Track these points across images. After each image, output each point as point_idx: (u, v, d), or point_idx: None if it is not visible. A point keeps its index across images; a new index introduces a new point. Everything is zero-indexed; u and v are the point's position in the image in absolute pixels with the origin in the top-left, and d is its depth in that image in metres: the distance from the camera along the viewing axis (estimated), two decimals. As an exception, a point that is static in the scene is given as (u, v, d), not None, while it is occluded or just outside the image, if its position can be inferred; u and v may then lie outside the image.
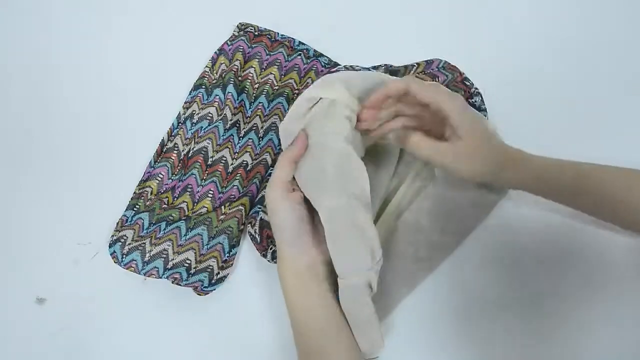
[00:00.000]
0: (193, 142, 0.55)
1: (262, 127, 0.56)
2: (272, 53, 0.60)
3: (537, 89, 0.58)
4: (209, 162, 0.54)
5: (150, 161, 0.55)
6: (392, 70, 0.56)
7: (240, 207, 0.51)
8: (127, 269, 0.49)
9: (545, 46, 0.61)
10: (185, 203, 0.52)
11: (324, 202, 0.41)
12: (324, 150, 0.42)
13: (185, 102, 0.58)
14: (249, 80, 0.58)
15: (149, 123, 0.57)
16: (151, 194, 0.54)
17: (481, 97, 0.54)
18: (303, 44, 0.60)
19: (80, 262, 0.52)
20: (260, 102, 0.57)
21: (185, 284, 0.48)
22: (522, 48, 0.61)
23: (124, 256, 0.49)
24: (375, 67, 0.56)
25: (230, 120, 0.55)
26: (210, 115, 0.56)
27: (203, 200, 0.52)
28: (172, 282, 0.48)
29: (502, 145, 0.46)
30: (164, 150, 0.56)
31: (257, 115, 0.57)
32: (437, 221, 0.50)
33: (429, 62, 0.56)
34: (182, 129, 0.56)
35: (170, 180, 0.54)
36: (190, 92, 0.59)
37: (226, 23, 0.62)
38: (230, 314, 0.50)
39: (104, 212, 0.53)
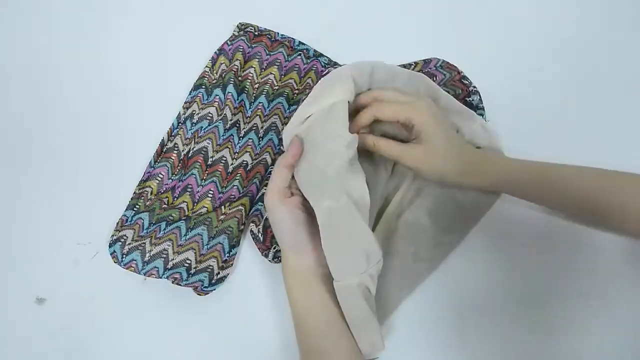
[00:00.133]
0: (193, 142, 0.55)
1: (262, 127, 0.56)
2: (272, 53, 0.60)
3: (537, 89, 0.58)
4: (209, 162, 0.54)
5: (150, 161, 0.55)
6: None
7: (240, 207, 0.51)
8: (127, 268, 0.49)
9: (545, 46, 0.61)
10: (185, 203, 0.52)
11: (321, 203, 0.41)
12: (324, 152, 0.42)
13: (185, 102, 0.58)
14: (249, 80, 0.58)
15: (149, 123, 0.57)
16: (151, 194, 0.54)
17: (479, 95, 0.54)
18: (303, 44, 0.60)
19: (80, 262, 0.52)
20: (260, 102, 0.57)
21: (185, 284, 0.48)
22: (522, 48, 0.61)
23: (124, 256, 0.49)
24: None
25: (230, 120, 0.55)
26: (210, 115, 0.56)
27: (203, 200, 0.52)
28: (172, 282, 0.48)
29: (467, 148, 0.47)
30: (164, 150, 0.56)
31: (257, 115, 0.57)
32: (437, 220, 0.50)
33: (426, 61, 0.56)
34: (182, 129, 0.56)
35: (170, 180, 0.54)
36: (190, 92, 0.59)
37: (226, 23, 0.62)
38: (230, 314, 0.50)
39: (104, 212, 0.53)
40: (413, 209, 0.50)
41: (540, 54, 0.61)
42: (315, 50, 0.60)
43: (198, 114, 0.57)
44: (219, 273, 0.49)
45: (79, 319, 0.50)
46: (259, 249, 0.50)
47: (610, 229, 0.49)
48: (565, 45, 0.61)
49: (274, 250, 0.49)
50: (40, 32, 0.64)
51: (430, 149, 0.43)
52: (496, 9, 0.64)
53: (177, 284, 0.48)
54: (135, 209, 0.53)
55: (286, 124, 0.56)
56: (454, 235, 0.50)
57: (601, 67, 0.59)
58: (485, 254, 0.50)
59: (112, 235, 0.51)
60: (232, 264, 0.50)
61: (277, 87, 0.59)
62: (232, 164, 0.54)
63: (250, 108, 0.58)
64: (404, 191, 0.51)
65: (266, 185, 0.49)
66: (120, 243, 0.50)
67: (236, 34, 0.61)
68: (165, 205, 0.52)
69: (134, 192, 0.54)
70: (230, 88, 0.56)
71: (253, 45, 0.60)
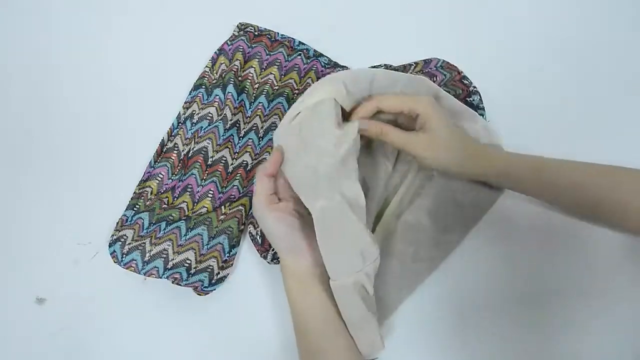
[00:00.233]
0: (193, 142, 0.55)
1: (262, 127, 0.56)
2: (272, 53, 0.60)
3: (537, 89, 0.58)
4: (209, 162, 0.54)
5: (150, 161, 0.55)
6: (391, 70, 0.56)
7: (241, 208, 0.51)
8: (127, 268, 0.49)
9: (545, 46, 0.61)
10: (185, 203, 0.52)
11: (315, 203, 0.41)
12: (314, 150, 0.42)
13: (185, 102, 0.58)
14: (249, 80, 0.58)
15: (149, 123, 0.57)
16: (151, 194, 0.54)
17: (479, 95, 0.54)
18: (303, 44, 0.60)
19: (80, 262, 0.52)
20: (260, 102, 0.57)
21: (185, 284, 0.48)
22: (522, 48, 0.61)
23: (124, 256, 0.49)
24: (374, 67, 0.56)
25: (230, 120, 0.55)
26: (210, 115, 0.56)
27: (203, 200, 0.52)
28: (172, 282, 0.48)
29: (468, 139, 0.48)
30: (164, 150, 0.56)
31: (257, 115, 0.57)
32: (437, 220, 0.50)
33: (427, 62, 0.56)
34: (182, 129, 0.56)
35: (170, 180, 0.54)
36: (190, 92, 0.59)
37: (226, 23, 0.62)
38: (230, 314, 0.50)
39: (104, 212, 0.53)
40: (413, 209, 0.50)
41: (540, 54, 0.61)
42: (315, 50, 0.60)
43: (198, 114, 0.57)
44: (219, 273, 0.49)
45: (79, 319, 0.50)
46: (257, 250, 0.50)
47: (609, 225, 0.49)
48: (565, 45, 0.61)
49: (273, 252, 0.49)
50: (40, 32, 0.64)
51: (435, 138, 0.44)
52: (496, 9, 0.64)
53: (177, 284, 0.48)
54: (135, 209, 0.53)
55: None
56: (454, 235, 0.50)
57: (601, 67, 0.59)
58: (485, 254, 0.50)
59: (112, 235, 0.51)
60: (232, 264, 0.50)
61: (277, 87, 0.59)
62: (232, 164, 0.54)
63: (250, 108, 0.58)
64: (403, 192, 0.51)
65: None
66: (120, 243, 0.50)
67: (236, 34, 0.61)
68: (165, 205, 0.52)
69: (134, 192, 0.54)
70: (230, 88, 0.56)
71: (253, 45, 0.60)
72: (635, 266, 0.49)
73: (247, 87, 0.58)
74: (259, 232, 0.50)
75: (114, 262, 0.49)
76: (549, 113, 0.57)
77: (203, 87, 0.58)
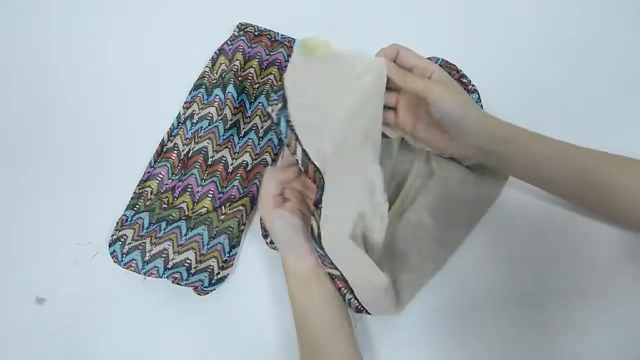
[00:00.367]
0: (193, 142, 0.55)
1: (262, 127, 0.56)
2: (272, 53, 0.60)
3: (537, 89, 0.58)
4: (209, 162, 0.54)
5: (150, 161, 0.55)
6: None
7: (241, 208, 0.51)
8: (127, 268, 0.49)
9: (545, 46, 0.61)
10: (185, 203, 0.52)
11: (331, 137, 0.42)
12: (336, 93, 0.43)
13: (185, 102, 0.58)
14: (249, 80, 0.58)
15: (149, 123, 0.57)
16: (151, 193, 0.54)
17: (478, 94, 0.54)
18: (303, 44, 0.60)
19: (80, 262, 0.52)
20: (260, 102, 0.57)
21: (186, 284, 0.48)
22: (522, 48, 0.61)
23: (124, 255, 0.49)
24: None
25: (230, 120, 0.56)
26: (210, 115, 0.56)
27: (203, 200, 0.52)
28: (172, 282, 0.48)
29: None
30: (164, 150, 0.56)
31: (257, 115, 0.57)
32: (439, 218, 0.50)
33: (427, 61, 0.56)
34: (182, 129, 0.56)
35: (170, 180, 0.54)
36: (190, 92, 0.59)
37: (226, 23, 0.62)
38: (230, 314, 0.50)
39: (104, 212, 0.53)
40: (415, 208, 0.50)
41: (540, 53, 0.61)
42: (315, 50, 0.60)
43: (198, 114, 0.57)
44: (219, 273, 0.49)
45: (79, 319, 0.50)
46: (262, 227, 0.50)
47: (600, 212, 0.49)
48: (565, 45, 0.61)
49: None
50: (40, 32, 0.64)
51: (453, 85, 0.45)
52: (496, 9, 0.64)
53: (177, 283, 0.48)
54: (135, 208, 0.53)
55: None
56: (456, 233, 0.50)
57: (601, 67, 0.59)
58: (485, 254, 0.50)
59: (112, 235, 0.51)
60: (232, 264, 0.50)
61: (277, 87, 0.59)
62: (232, 164, 0.54)
63: (250, 108, 0.58)
64: (405, 190, 0.51)
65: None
66: (120, 243, 0.50)
67: (236, 34, 0.61)
68: (165, 205, 0.52)
69: (134, 192, 0.54)
70: (230, 88, 0.56)
71: (253, 45, 0.60)
72: (635, 266, 0.49)
73: (247, 87, 0.58)
74: None
75: (114, 262, 0.49)
76: (548, 113, 0.57)
77: (203, 87, 0.58)
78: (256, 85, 0.59)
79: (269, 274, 0.51)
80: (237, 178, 0.53)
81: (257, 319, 0.49)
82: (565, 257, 0.50)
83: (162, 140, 0.56)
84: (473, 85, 0.54)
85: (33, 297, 0.51)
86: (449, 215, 0.50)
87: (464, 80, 0.54)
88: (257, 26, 0.61)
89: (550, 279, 0.49)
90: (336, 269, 0.42)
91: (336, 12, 0.65)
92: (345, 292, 0.43)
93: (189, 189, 0.53)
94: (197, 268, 0.48)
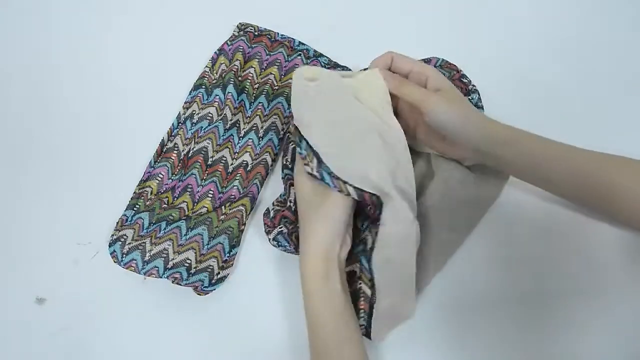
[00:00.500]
0: (193, 142, 0.55)
1: (262, 127, 0.56)
2: (272, 53, 0.60)
3: (537, 89, 0.58)
4: (209, 162, 0.54)
5: (150, 161, 0.55)
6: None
7: (241, 208, 0.51)
8: (127, 268, 0.49)
9: (545, 46, 0.61)
10: (185, 203, 0.52)
11: (364, 159, 0.43)
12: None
13: (185, 102, 0.58)
14: (249, 80, 0.58)
15: (149, 123, 0.57)
16: (151, 193, 0.54)
17: (478, 94, 0.54)
18: (303, 44, 0.60)
19: (80, 262, 0.52)
20: (260, 102, 0.57)
21: (186, 284, 0.48)
22: (522, 48, 0.61)
23: (124, 255, 0.49)
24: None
25: (230, 120, 0.56)
26: (210, 115, 0.56)
27: (203, 200, 0.52)
28: (172, 282, 0.48)
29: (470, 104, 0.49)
30: (164, 150, 0.56)
31: (257, 115, 0.57)
32: (440, 218, 0.50)
33: (426, 61, 0.56)
34: (182, 129, 0.56)
35: (170, 180, 0.54)
36: (190, 92, 0.59)
37: (226, 23, 0.62)
38: (230, 314, 0.50)
39: (104, 212, 0.53)
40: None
41: (540, 54, 0.61)
42: (315, 50, 0.60)
43: (198, 114, 0.57)
44: (219, 273, 0.49)
45: (79, 319, 0.50)
46: (265, 224, 0.49)
47: (601, 211, 0.49)
48: (565, 45, 0.61)
49: (277, 233, 0.48)
50: (40, 32, 0.64)
51: (448, 93, 0.45)
52: (496, 9, 0.64)
53: (177, 283, 0.48)
54: (135, 208, 0.53)
55: (286, 124, 0.56)
56: (457, 233, 0.50)
57: (601, 67, 0.59)
58: (485, 254, 0.50)
59: (112, 235, 0.51)
60: (232, 264, 0.50)
61: (277, 87, 0.59)
62: (232, 164, 0.54)
63: (250, 108, 0.58)
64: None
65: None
66: (120, 243, 0.50)
67: (236, 34, 0.61)
68: (165, 205, 0.52)
69: (134, 192, 0.54)
70: (230, 88, 0.56)
71: (253, 46, 0.60)
72: (635, 266, 0.49)
73: (247, 87, 0.58)
74: (273, 205, 0.50)
75: (114, 262, 0.49)
76: (548, 113, 0.57)
77: (203, 87, 0.58)
78: (256, 85, 0.59)
79: (269, 274, 0.51)
80: (237, 178, 0.53)
81: (257, 319, 0.49)
82: (565, 257, 0.50)
83: (162, 140, 0.56)
84: (473, 85, 0.54)
85: (33, 297, 0.51)
86: (449, 216, 0.50)
87: (464, 80, 0.55)
88: (257, 26, 0.61)
89: (550, 279, 0.49)
90: (371, 287, 0.43)
91: (336, 12, 0.65)
92: (362, 315, 0.44)
93: (189, 189, 0.53)
94: (197, 268, 0.48)
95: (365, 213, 0.46)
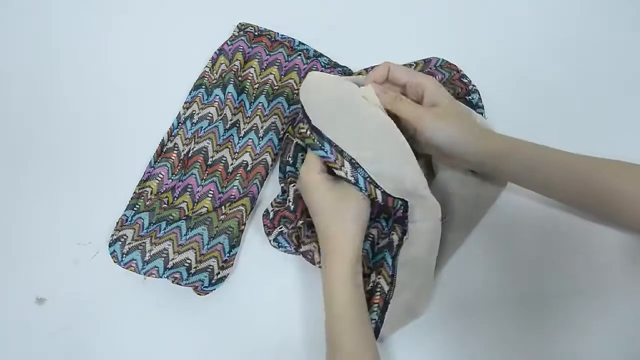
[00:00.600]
0: (193, 142, 0.55)
1: (262, 127, 0.56)
2: (272, 53, 0.60)
3: (537, 88, 0.58)
4: (209, 162, 0.54)
5: (150, 161, 0.55)
6: None
7: (241, 208, 0.51)
8: (127, 268, 0.49)
9: (545, 46, 0.61)
10: (185, 203, 0.52)
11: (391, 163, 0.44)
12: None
13: (185, 102, 0.58)
14: (249, 80, 0.58)
15: (149, 123, 0.57)
16: (151, 193, 0.54)
17: (478, 94, 0.54)
18: (303, 44, 0.60)
19: (80, 262, 0.52)
20: (260, 102, 0.57)
21: (186, 284, 0.48)
22: (522, 48, 0.61)
23: (124, 255, 0.49)
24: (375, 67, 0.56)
25: (230, 120, 0.56)
26: (210, 115, 0.56)
27: (203, 200, 0.52)
28: (172, 282, 0.48)
29: (470, 116, 0.49)
30: (164, 150, 0.56)
31: (257, 115, 0.57)
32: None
33: (426, 61, 0.56)
34: (182, 129, 0.56)
35: (170, 180, 0.54)
36: (190, 92, 0.59)
37: (226, 23, 0.62)
38: (230, 314, 0.50)
39: (104, 212, 0.53)
40: None
41: (540, 53, 0.61)
42: (315, 50, 0.60)
43: (198, 114, 0.57)
44: (219, 273, 0.49)
45: (79, 319, 0.50)
46: (264, 225, 0.49)
47: (602, 216, 0.49)
48: (565, 45, 0.61)
49: (277, 233, 0.48)
50: (40, 32, 0.64)
51: (445, 108, 0.45)
52: (496, 9, 0.64)
53: (177, 283, 0.48)
54: (135, 208, 0.53)
55: (286, 123, 0.56)
56: (456, 234, 0.50)
57: (601, 67, 0.59)
58: (485, 254, 0.51)
59: (112, 235, 0.51)
60: (232, 264, 0.50)
61: (277, 87, 0.59)
62: (232, 164, 0.54)
63: (250, 108, 0.58)
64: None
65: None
66: (120, 243, 0.50)
67: (236, 34, 0.61)
68: (165, 205, 0.52)
69: (134, 192, 0.54)
70: (230, 88, 0.56)
71: (253, 46, 0.60)
72: (635, 266, 0.49)
73: (247, 87, 0.58)
74: (272, 206, 0.50)
75: (114, 262, 0.49)
76: (548, 113, 0.57)
77: (203, 87, 0.58)
78: (256, 85, 0.59)
79: (269, 274, 0.51)
80: (237, 178, 0.53)
81: (257, 319, 0.49)
82: (565, 257, 0.50)
83: (162, 140, 0.56)
84: (473, 85, 0.54)
85: (33, 297, 0.51)
86: (453, 215, 0.50)
87: (464, 80, 0.55)
88: (257, 26, 0.61)
89: (550, 279, 0.49)
90: (390, 283, 0.44)
91: (336, 12, 0.65)
92: (375, 309, 0.44)
93: (189, 189, 0.53)
94: (197, 268, 0.48)
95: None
